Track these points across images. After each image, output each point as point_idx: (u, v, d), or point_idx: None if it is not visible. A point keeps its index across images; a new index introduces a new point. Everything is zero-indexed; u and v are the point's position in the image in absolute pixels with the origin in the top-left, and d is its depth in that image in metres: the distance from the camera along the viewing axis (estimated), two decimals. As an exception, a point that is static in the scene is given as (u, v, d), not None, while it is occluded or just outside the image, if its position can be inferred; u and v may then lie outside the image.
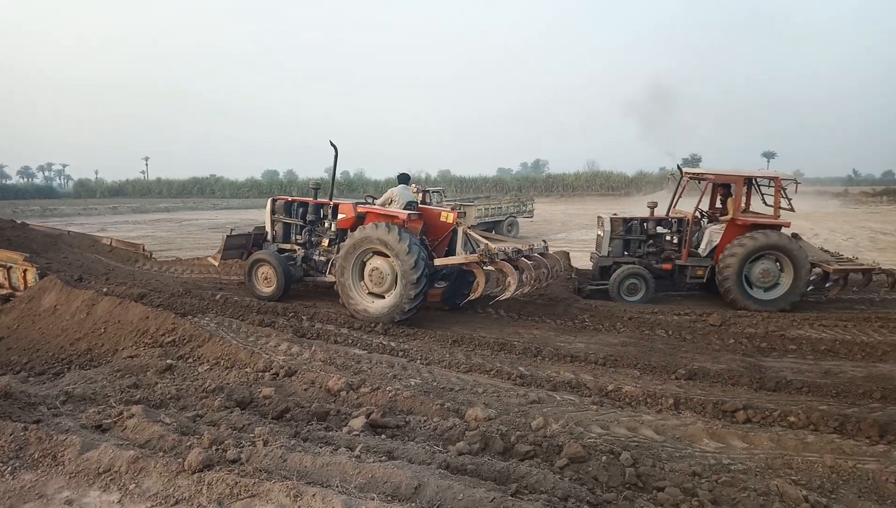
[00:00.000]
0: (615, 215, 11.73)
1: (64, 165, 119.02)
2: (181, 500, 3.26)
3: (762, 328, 8.76)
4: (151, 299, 8.92)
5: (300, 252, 10.07)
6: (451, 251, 8.92)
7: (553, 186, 67.77)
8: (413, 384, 6.04)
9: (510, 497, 3.26)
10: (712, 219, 11.40)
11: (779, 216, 10.45)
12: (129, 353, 6.96)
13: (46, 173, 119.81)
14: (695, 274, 10.73)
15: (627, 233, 11.34)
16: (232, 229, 10.68)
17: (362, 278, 8.76)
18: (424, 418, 4.87)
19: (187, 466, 3.44)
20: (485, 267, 8.27)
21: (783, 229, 10.36)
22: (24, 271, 9.35)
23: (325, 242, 9.93)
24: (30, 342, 7.58)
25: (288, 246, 10.28)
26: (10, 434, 3.83)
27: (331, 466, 3.54)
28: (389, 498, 3.23)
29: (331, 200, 10.08)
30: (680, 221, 11.21)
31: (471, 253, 8.63)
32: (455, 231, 8.97)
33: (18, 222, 13.35)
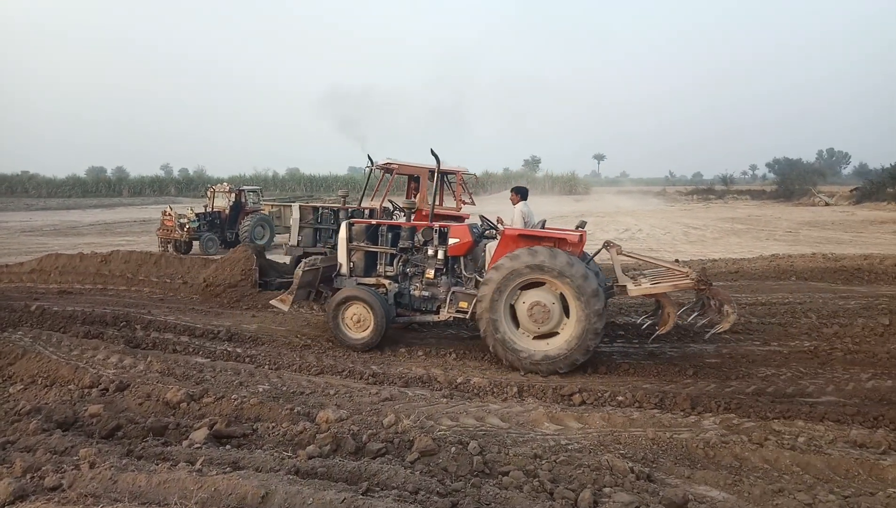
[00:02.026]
0: (306, 203, 11.79)
1: None
2: (-13, 539, 2.89)
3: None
4: (-52, 314, 7.81)
5: (392, 287, 8.15)
6: None
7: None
8: (261, 390, 5.83)
9: (361, 496, 3.26)
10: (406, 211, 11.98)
11: (461, 209, 11.33)
12: (-82, 377, 6.01)
13: None
14: None
15: (318, 222, 11.23)
16: (304, 263, 8.42)
17: (514, 316, 7.20)
18: (273, 424, 4.71)
19: (-6, 500, 3.06)
20: (701, 293, 7.13)
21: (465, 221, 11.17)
22: None
23: (431, 273, 8.06)
24: None
25: (371, 280, 8.31)
26: None
27: (168, 483, 3.32)
28: (235, 511, 3.10)
29: (431, 221, 8.39)
30: (371, 211, 11.47)
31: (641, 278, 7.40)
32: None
33: None
